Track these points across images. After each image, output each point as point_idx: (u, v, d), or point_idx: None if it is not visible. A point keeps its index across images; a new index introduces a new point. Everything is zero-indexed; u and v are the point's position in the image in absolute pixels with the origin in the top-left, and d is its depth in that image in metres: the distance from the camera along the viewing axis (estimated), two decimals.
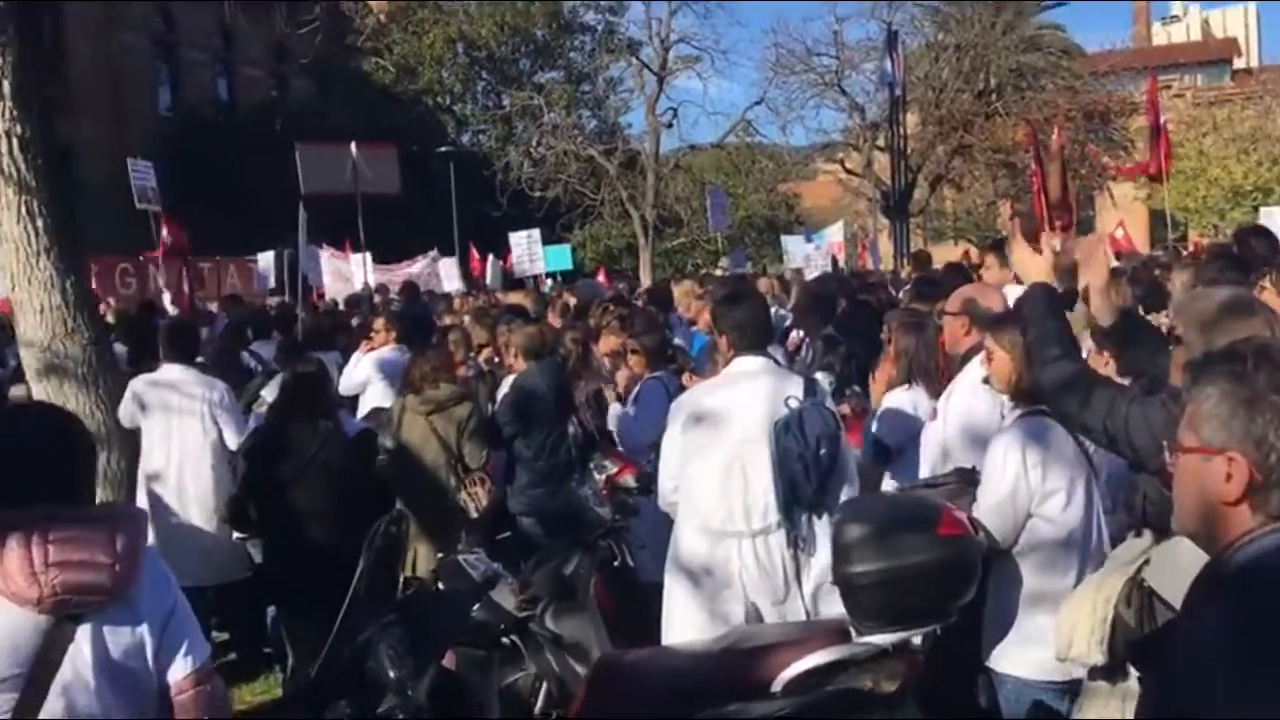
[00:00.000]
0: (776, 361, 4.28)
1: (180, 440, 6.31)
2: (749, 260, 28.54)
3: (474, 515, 4.77)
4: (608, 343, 7.31)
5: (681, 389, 6.54)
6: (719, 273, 32.75)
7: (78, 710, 2.23)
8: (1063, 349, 2.86)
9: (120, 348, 7.60)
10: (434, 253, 19.41)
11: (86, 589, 2.25)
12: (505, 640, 3.73)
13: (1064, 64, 30.31)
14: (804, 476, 3.86)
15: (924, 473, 4.30)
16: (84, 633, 2.27)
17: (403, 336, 8.26)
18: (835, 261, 16.48)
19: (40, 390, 6.25)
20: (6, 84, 5.96)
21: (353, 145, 12.12)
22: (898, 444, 4.91)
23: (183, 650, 2.37)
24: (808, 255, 20.01)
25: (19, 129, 6.02)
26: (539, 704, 4.18)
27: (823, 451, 3.86)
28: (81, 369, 6.21)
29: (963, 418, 4.08)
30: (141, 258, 14.83)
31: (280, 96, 39.40)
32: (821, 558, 3.96)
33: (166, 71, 37.07)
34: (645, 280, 25.86)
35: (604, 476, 5.34)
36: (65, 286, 6.18)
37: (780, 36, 29.54)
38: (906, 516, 3.38)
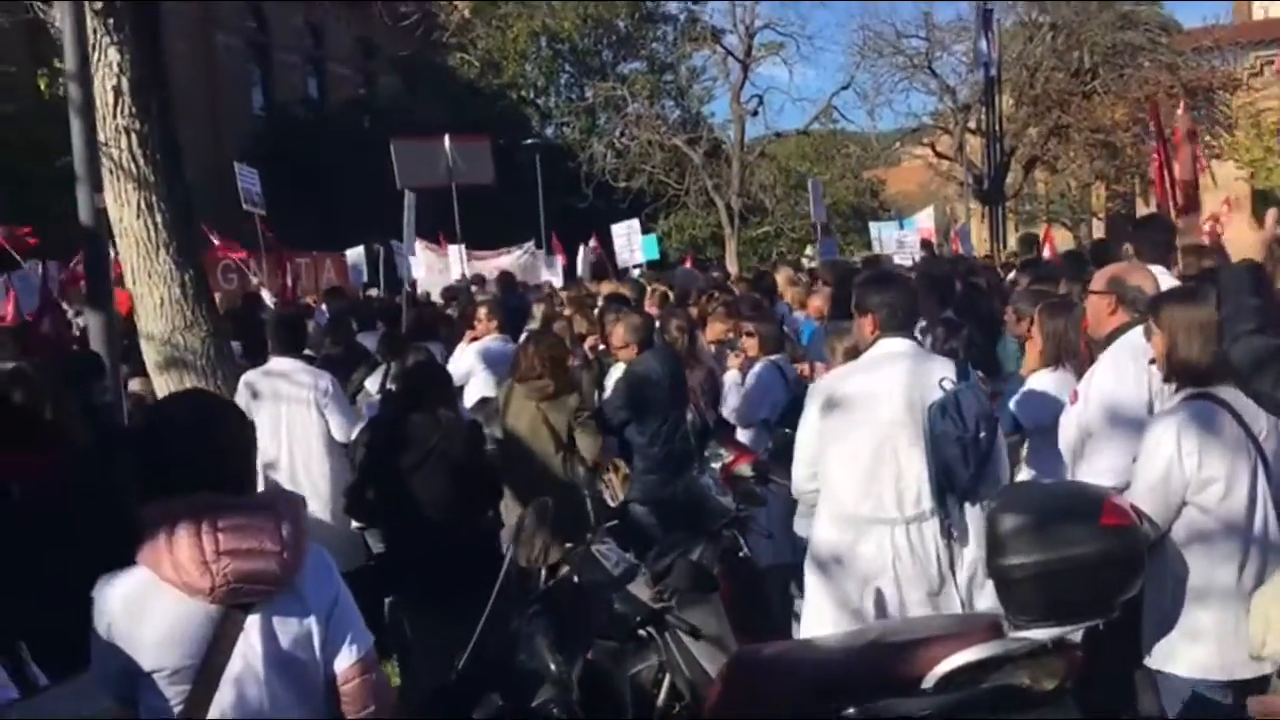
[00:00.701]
0: (919, 343, 4.12)
1: (290, 430, 6.36)
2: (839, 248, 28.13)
3: (611, 503, 4.69)
4: (714, 330, 7.22)
5: (797, 375, 6.49)
6: (805, 261, 32.48)
7: (248, 701, 2.20)
8: (1259, 324, 2.68)
9: (233, 341, 7.72)
10: (530, 244, 19.48)
11: (257, 577, 2.22)
12: (640, 632, 3.66)
13: (1162, 41, 29.31)
14: (961, 462, 3.71)
15: (1065, 456, 4.13)
16: (253, 623, 2.25)
17: (504, 326, 8.26)
18: (931, 246, 16.11)
19: (161, 383, 6.37)
20: (125, 81, 6.07)
21: (446, 139, 12.18)
22: (1038, 427, 4.75)
23: (348, 639, 2.33)
24: (900, 241, 19.64)
25: (138, 125, 6.12)
26: (662, 696, 4.11)
27: (981, 435, 3.71)
28: (200, 361, 6.32)
29: (1106, 400, 3.89)
30: (244, 255, 15.12)
31: (368, 93, 40.02)
32: (974, 548, 3.83)
33: (259, 72, 37.86)
34: (732, 269, 25.70)
35: (719, 465, 5.26)
36: (184, 280, 6.29)
37: (868, 19, 29.06)
38: (1066, 506, 3.22)
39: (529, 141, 31.79)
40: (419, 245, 15.58)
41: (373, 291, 16.77)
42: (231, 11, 35.13)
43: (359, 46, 41.27)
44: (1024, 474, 4.76)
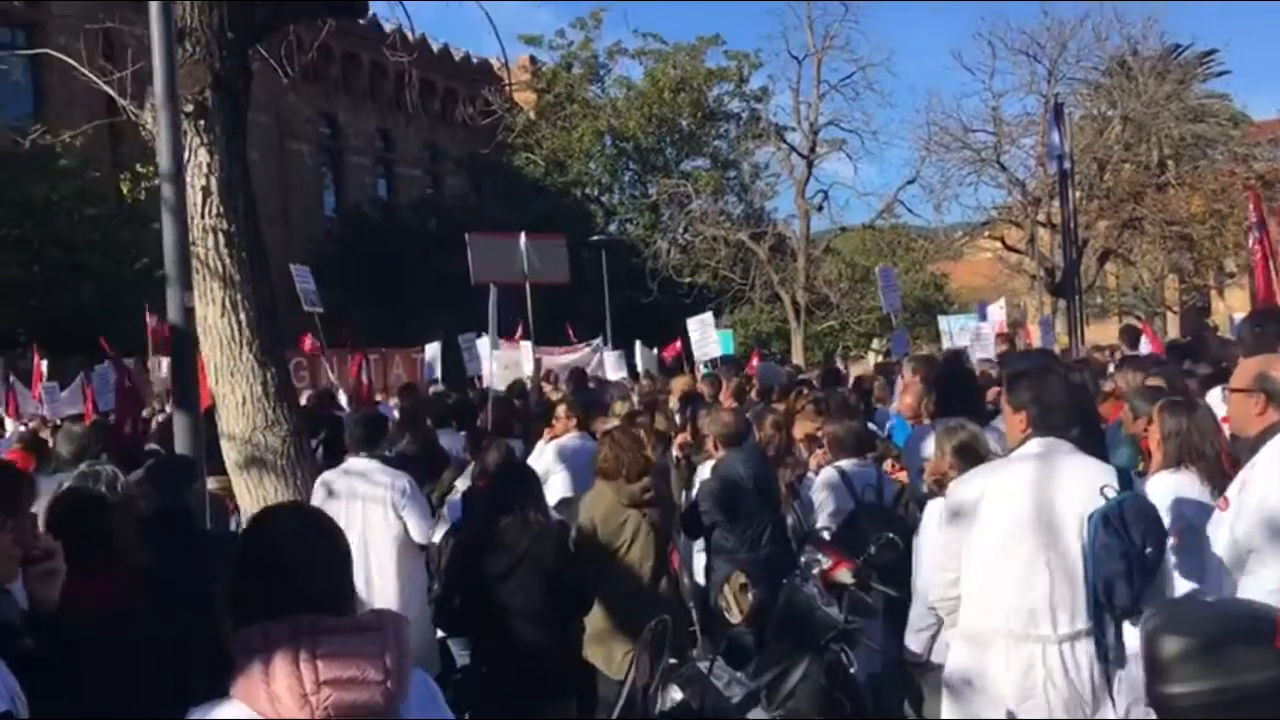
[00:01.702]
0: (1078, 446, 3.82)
1: (364, 529, 6.18)
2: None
3: (734, 621, 4.41)
4: (802, 427, 6.97)
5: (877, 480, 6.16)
6: (872, 356, 32.09)
7: None
8: None
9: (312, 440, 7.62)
10: (598, 340, 19.44)
11: (360, 710, 1.99)
12: None
13: (1233, 134, 28.99)
14: (1124, 578, 3.39)
15: (1211, 564, 3.80)
16: None
17: (583, 423, 8.07)
18: (1012, 340, 15.72)
19: (240, 483, 6.25)
20: (214, 181, 6.08)
21: (522, 236, 12.18)
22: None
23: None
24: (976, 332, 19.25)
25: (225, 224, 6.12)
26: None
27: (1149, 551, 3.40)
28: (281, 461, 6.20)
29: (1264, 508, 3.57)
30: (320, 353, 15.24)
31: (436, 194, 40.92)
32: (1132, 670, 3.49)
33: (331, 175, 38.95)
34: (799, 363, 25.45)
35: (817, 571, 4.97)
36: (266, 379, 6.20)
37: (934, 114, 29.08)
38: (1238, 627, 2.89)
39: (596, 238, 32.09)
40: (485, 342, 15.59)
41: (438, 388, 16.76)
42: (304, 118, 36.29)
43: (427, 149, 42.37)
44: None
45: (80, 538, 3.20)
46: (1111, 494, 3.51)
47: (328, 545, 2.16)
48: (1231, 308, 32.93)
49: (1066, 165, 19.01)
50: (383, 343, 21.70)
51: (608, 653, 5.40)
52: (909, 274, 34.97)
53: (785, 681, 4.16)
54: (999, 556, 3.60)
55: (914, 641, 4.26)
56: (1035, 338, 22.54)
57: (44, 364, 15.15)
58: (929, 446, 5.96)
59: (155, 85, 5.55)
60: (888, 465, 6.67)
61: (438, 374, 16.66)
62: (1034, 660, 3.52)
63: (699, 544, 6.59)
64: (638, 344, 18.52)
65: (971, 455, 4.42)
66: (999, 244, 30.97)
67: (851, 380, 10.70)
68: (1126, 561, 3.43)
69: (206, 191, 6.07)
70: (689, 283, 30.36)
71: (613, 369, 16.99)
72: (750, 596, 4.30)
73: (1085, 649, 3.52)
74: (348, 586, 2.18)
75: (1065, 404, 3.80)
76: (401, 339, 22.28)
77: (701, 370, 15.91)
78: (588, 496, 5.76)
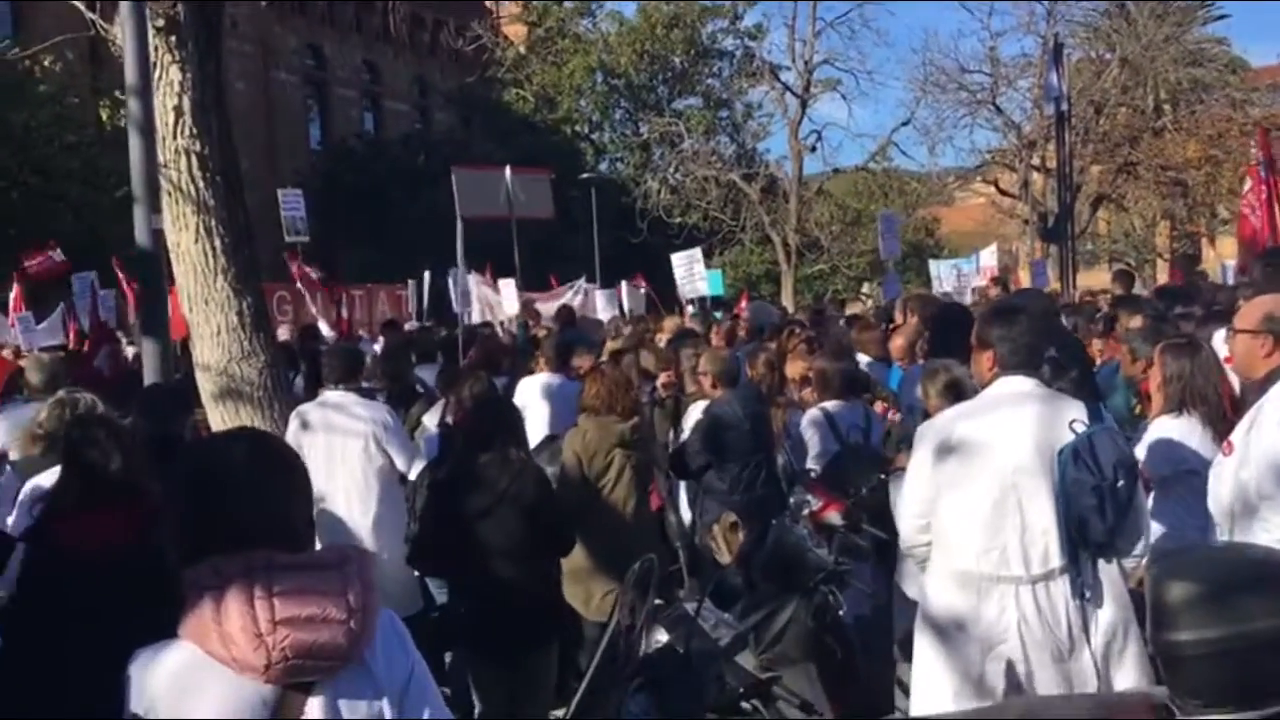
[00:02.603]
0: (1047, 384, 3.69)
1: (345, 465, 6.03)
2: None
3: (724, 562, 4.28)
4: (794, 367, 6.83)
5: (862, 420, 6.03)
6: (863, 298, 31.94)
7: None
8: None
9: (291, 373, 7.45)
10: (581, 281, 19.22)
11: (320, 651, 1.85)
12: (745, 705, 3.25)
13: (1230, 78, 28.64)
14: (1097, 513, 3.28)
15: (1215, 513, 3.68)
16: (316, 705, 1.87)
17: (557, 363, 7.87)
18: (1006, 283, 15.58)
19: (215, 415, 6.08)
20: (186, 100, 5.83)
21: (507, 170, 11.94)
22: (1162, 477, 4.31)
23: None
24: (960, 278, 19.10)
25: (198, 146, 5.88)
26: None
27: (1120, 484, 3.28)
28: (257, 393, 6.03)
29: (1273, 453, 3.44)
30: (299, 285, 14.97)
31: (423, 129, 40.32)
32: (1109, 610, 3.40)
33: (317, 108, 38.33)
34: (789, 306, 25.29)
35: (807, 512, 4.85)
36: (242, 308, 6.01)
37: (930, 54, 28.60)
38: (1247, 573, 2.77)
39: (585, 176, 31.69)
40: (472, 279, 15.38)
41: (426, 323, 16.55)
42: (289, 48, 35.61)
43: (415, 82, 41.71)
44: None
45: (91, 475, 3.05)
46: (1080, 428, 3.39)
47: (282, 475, 1.99)
48: (1222, 255, 32.84)
49: (1064, 107, 18.79)
50: (369, 278, 21.43)
51: (586, 592, 5.31)
52: (900, 218, 34.71)
53: (773, 623, 4.05)
54: (967, 498, 3.49)
55: (911, 588, 4.15)
56: (1026, 283, 22.41)
57: (22, 295, 14.87)
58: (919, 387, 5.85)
59: None
60: (879, 407, 6.55)
61: (419, 309, 16.45)
62: (1007, 602, 3.43)
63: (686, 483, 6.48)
64: (623, 284, 18.31)
65: (958, 395, 4.29)
66: (992, 188, 30.68)
67: (845, 318, 10.52)
68: (1098, 495, 3.32)
69: (179, 111, 5.81)
70: (679, 223, 30.04)
71: (603, 308, 16.80)
72: (740, 537, 4.16)
73: (1061, 588, 3.43)
74: (305, 519, 2.01)
75: (1030, 343, 3.67)
76: (388, 275, 21.98)
77: (689, 310, 15.76)
78: (572, 433, 5.61)
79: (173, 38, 5.79)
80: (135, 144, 5.27)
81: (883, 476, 5.04)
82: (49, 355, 7.39)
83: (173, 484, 1.99)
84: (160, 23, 5.69)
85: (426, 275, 18.01)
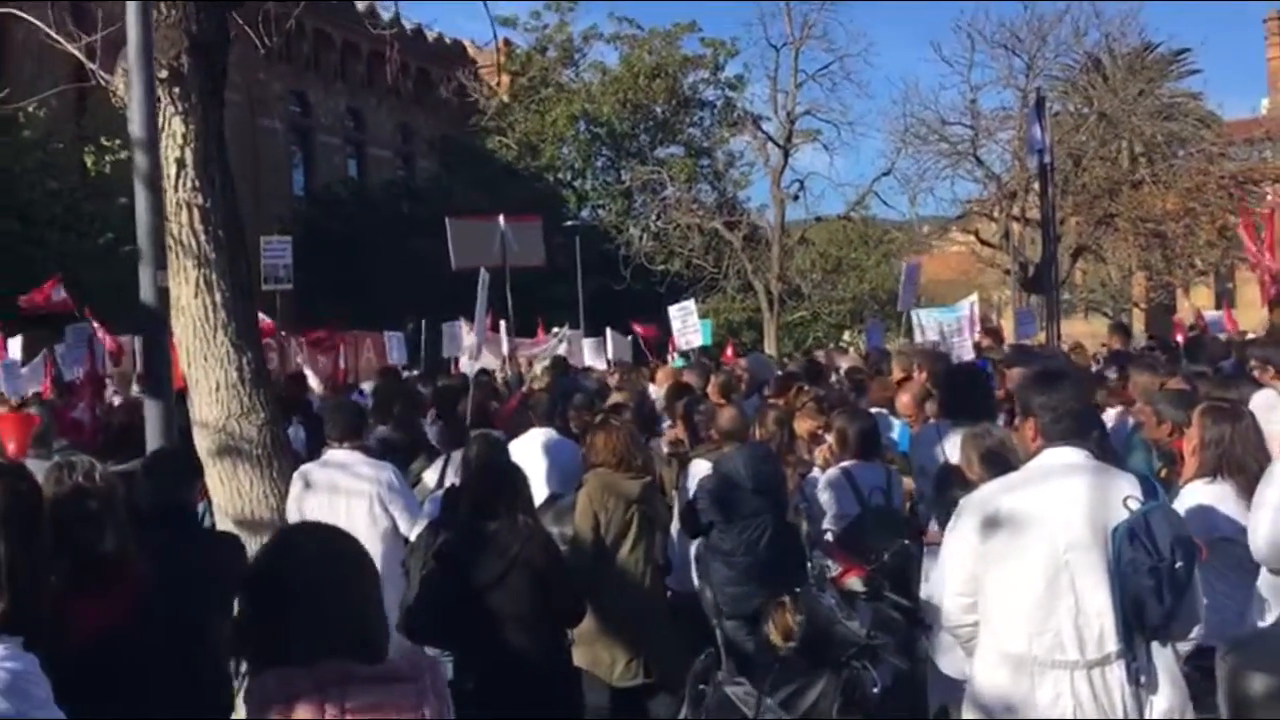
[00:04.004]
0: (1096, 455, 3.57)
1: (349, 528, 5.84)
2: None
3: (781, 650, 4.10)
4: (803, 425, 6.70)
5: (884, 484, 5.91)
6: (845, 346, 31.96)
7: None
8: None
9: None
10: (565, 328, 19.10)
11: None
12: None
13: (1203, 133, 29.07)
14: (1154, 595, 3.16)
15: (1262, 578, 3.58)
16: None
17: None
18: (999, 334, 15.55)
19: (214, 473, 5.89)
20: (189, 152, 5.72)
21: (501, 219, 11.86)
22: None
23: None
24: (944, 329, 19.09)
25: (200, 199, 5.75)
26: None
27: (1179, 565, 3.16)
28: (257, 450, 5.85)
29: None
30: (283, 333, 14.78)
31: (407, 175, 40.36)
32: (1165, 695, 3.26)
33: (301, 153, 38.33)
34: (772, 353, 25.24)
35: (829, 578, 4.73)
36: (242, 364, 5.85)
37: (911, 105, 28.90)
38: None
39: (569, 224, 31.73)
40: (465, 328, 15.25)
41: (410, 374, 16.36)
42: (275, 95, 35.63)
43: (398, 130, 41.82)
44: None
45: (82, 554, 2.88)
46: (1135, 505, 3.28)
47: (355, 577, 1.85)
48: (1196, 305, 33.16)
49: (1047, 159, 18.89)
50: (350, 326, 21.25)
51: (610, 657, 5.15)
52: (878, 266, 34.83)
53: (803, 699, 3.90)
54: (1017, 576, 3.34)
55: (947, 664, 4.00)
56: (1010, 333, 22.44)
57: (5, 339, 14.62)
58: (937, 448, 5.74)
59: (129, 46, 5.18)
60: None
61: (406, 359, 16.28)
62: (1062, 688, 3.27)
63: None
64: (609, 331, 18.23)
65: (1000, 462, 4.17)
66: (972, 238, 30.89)
67: (843, 372, 10.42)
68: (1156, 577, 3.19)
69: (181, 164, 5.69)
70: (662, 270, 30.08)
71: (591, 356, 16.69)
72: (793, 618, 4.01)
73: (1115, 674, 3.28)
74: (379, 625, 1.87)
75: (1075, 410, 3.52)
76: (370, 322, 21.81)
77: (675, 360, 15.67)
78: (584, 493, 5.46)
79: (176, 88, 5.68)
80: (141, 198, 5.14)
81: (905, 542, 4.91)
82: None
83: (240, 585, 1.84)
84: (164, 74, 5.58)
85: (412, 325, 17.86)
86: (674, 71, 36.89)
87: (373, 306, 26.06)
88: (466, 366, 13.90)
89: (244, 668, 1.74)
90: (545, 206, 32.20)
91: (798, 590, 4.38)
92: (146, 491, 3.93)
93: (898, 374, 8.42)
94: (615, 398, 7.81)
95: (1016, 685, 3.31)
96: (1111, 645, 3.27)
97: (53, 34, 6.47)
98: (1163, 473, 5.19)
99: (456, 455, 6.57)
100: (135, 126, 5.11)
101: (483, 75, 37.56)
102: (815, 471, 6.10)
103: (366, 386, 12.15)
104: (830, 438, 6.38)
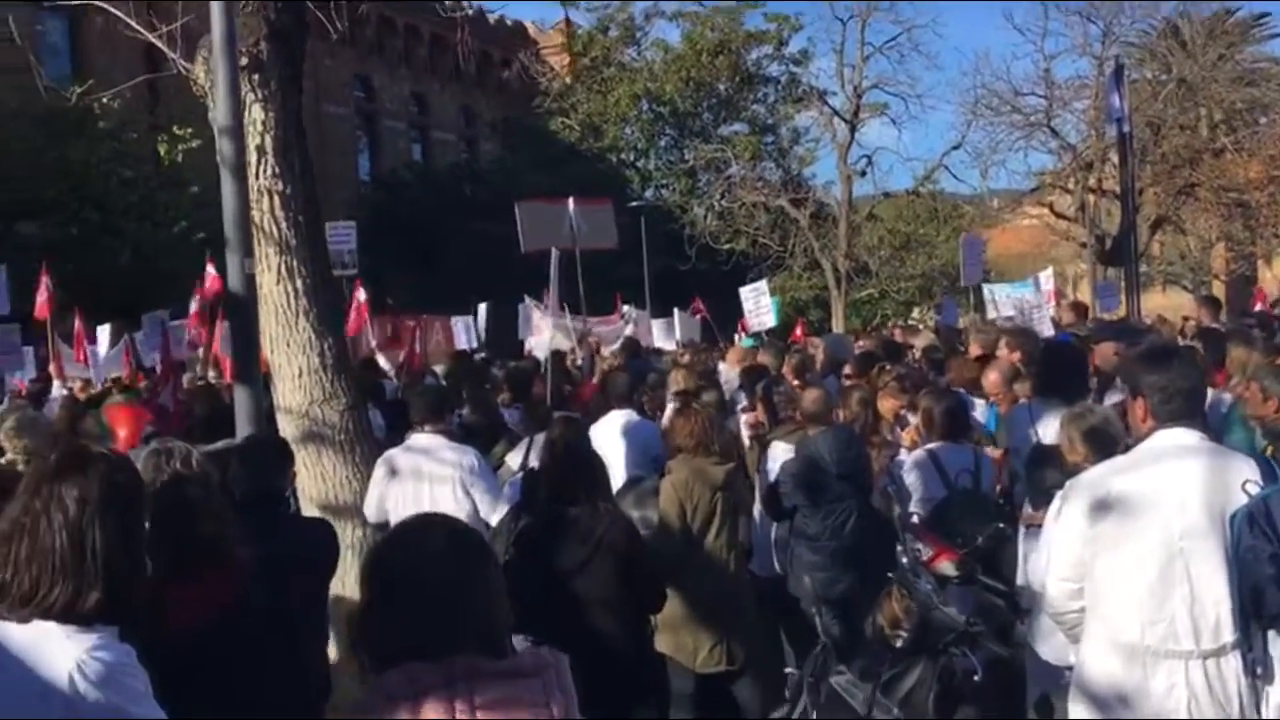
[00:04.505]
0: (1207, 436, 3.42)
1: (431, 510, 5.86)
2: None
3: (898, 644, 3.99)
4: (885, 405, 6.58)
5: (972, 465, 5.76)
6: (914, 324, 31.53)
7: None
8: None
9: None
10: (629, 309, 19.03)
11: None
12: None
13: None
14: (1275, 583, 3.04)
15: None
16: None
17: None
18: (1085, 310, 15.15)
19: (298, 459, 5.94)
20: (269, 139, 5.76)
21: (571, 202, 11.78)
22: None
23: None
24: (1020, 304, 18.68)
25: (281, 186, 5.79)
26: None
27: None
28: (340, 436, 5.90)
29: None
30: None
31: (470, 158, 40.56)
32: None
33: (366, 139, 38.73)
34: (841, 331, 24.98)
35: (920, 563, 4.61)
36: (324, 349, 5.90)
37: (982, 76, 28.26)
38: None
39: (633, 204, 31.62)
40: (535, 310, 15.27)
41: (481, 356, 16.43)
42: (340, 81, 36.00)
43: (461, 113, 42.04)
44: None
45: (182, 540, 2.89)
46: (1254, 489, 3.14)
47: (482, 571, 1.81)
48: (1278, 275, 32.08)
49: (1126, 129, 18.39)
50: (418, 309, 21.44)
51: (694, 642, 5.10)
52: (948, 242, 34.26)
53: (899, 686, 3.82)
54: (1128, 563, 3.23)
55: (1047, 650, 3.89)
56: (1091, 307, 21.88)
57: (85, 327, 14.99)
58: (1030, 430, 5.58)
59: (214, 35, 5.21)
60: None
61: (475, 342, 16.34)
62: (1176, 678, 3.16)
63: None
64: (676, 312, 18.14)
65: (1105, 441, 4.03)
66: (1045, 210, 30.20)
67: (920, 351, 10.23)
68: (1276, 565, 3.07)
69: (261, 151, 5.74)
70: (727, 249, 29.88)
71: (660, 337, 16.60)
72: (903, 606, 3.92)
73: (1231, 664, 3.17)
74: (504, 619, 1.83)
75: (1188, 389, 3.36)
76: (437, 305, 21.98)
77: (744, 340, 15.53)
78: (670, 481, 5.38)
79: (256, 76, 5.72)
80: (228, 185, 5.17)
81: (1000, 525, 4.78)
82: (37, 414, 7.00)
83: (365, 579, 1.81)
84: (244, 61, 5.61)
85: (483, 307, 17.90)
86: (737, 48, 36.52)
87: (439, 289, 26.25)
88: (537, 347, 13.96)
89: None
90: (609, 187, 32.19)
91: (890, 575, 4.27)
92: (242, 478, 3.95)
93: (975, 351, 8.23)
94: (677, 380, 7.66)
95: (1129, 675, 3.20)
96: (1228, 635, 3.16)
97: (132, 23, 6.53)
98: (1268, 450, 5.00)
99: (539, 438, 6.57)
100: (220, 114, 5.14)
101: (544, 56, 37.58)
102: (902, 453, 5.98)
103: (438, 369, 12.22)
104: (915, 418, 6.26)
